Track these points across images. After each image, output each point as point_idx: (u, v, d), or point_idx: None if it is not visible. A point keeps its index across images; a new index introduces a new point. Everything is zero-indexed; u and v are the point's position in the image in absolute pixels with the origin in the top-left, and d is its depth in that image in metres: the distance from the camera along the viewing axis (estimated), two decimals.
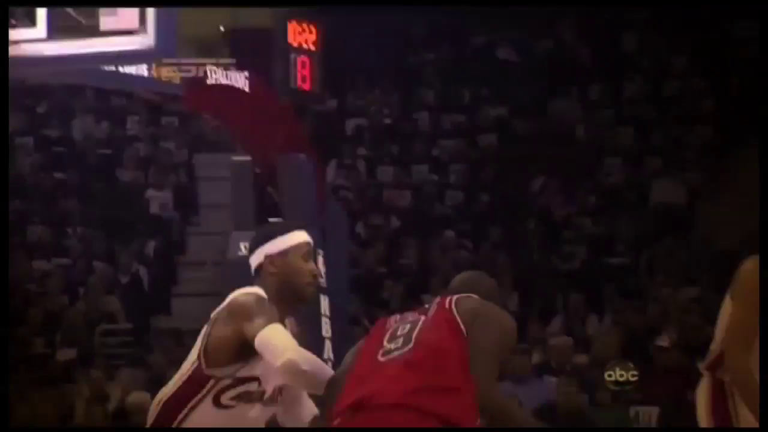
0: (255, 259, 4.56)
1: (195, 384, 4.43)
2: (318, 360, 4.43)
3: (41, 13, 7.64)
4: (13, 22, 7.83)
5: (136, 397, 10.49)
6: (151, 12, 7.39)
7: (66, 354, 12.91)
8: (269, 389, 4.48)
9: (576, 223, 15.36)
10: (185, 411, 4.45)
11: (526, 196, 15.93)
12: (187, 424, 4.44)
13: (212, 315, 4.53)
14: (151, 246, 14.89)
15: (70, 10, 7.49)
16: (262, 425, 4.56)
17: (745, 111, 15.85)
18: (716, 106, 16.37)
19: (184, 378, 4.48)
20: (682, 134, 16.23)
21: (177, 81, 8.12)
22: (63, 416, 11.38)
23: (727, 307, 5.24)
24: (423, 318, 4.41)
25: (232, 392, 4.41)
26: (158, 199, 15.38)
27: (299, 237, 4.57)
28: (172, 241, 15.16)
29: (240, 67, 8.74)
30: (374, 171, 16.43)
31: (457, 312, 4.40)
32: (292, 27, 9.83)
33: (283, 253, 4.51)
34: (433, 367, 4.26)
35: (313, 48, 8.74)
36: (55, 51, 7.35)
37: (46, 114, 16.55)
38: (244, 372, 4.38)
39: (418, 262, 14.81)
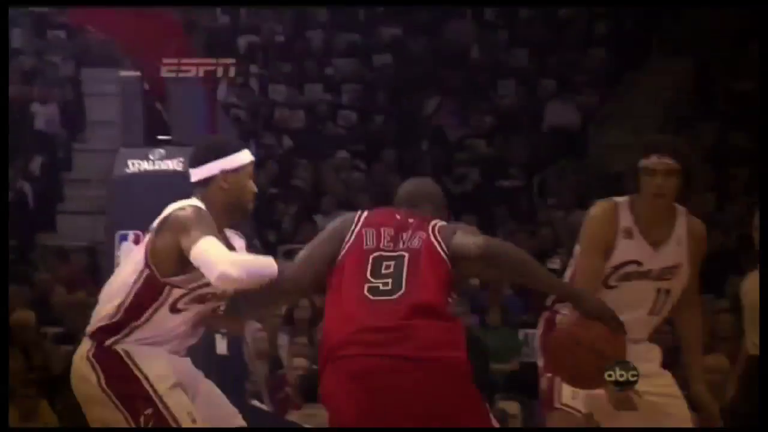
0: (205, 172, 4.78)
1: (152, 291, 4.62)
2: (255, 262, 4.58)
3: None
4: None
5: (20, 315, 10.37)
6: None
7: None
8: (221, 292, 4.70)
9: (469, 145, 15.44)
10: (144, 317, 4.64)
11: (420, 118, 15.95)
12: (145, 330, 4.64)
13: (152, 226, 4.71)
14: (36, 162, 14.67)
15: None
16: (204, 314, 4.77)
17: (639, 35, 16.00)
18: (610, 29, 16.49)
19: (138, 286, 4.64)
20: (577, 57, 16.34)
21: None
22: None
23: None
24: (407, 255, 4.52)
25: (187, 298, 4.64)
26: (44, 115, 15.14)
27: (249, 156, 4.90)
28: (58, 158, 14.94)
29: None
30: (266, 89, 16.31)
31: (441, 240, 4.59)
32: None
33: (237, 170, 4.80)
34: (437, 313, 4.44)
35: None
36: None
37: None
38: (199, 280, 4.59)
39: (311, 183, 14.78)
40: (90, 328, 4.73)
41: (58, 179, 14.72)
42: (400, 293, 4.44)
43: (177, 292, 4.63)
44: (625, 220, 5.25)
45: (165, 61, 8.30)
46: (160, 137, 8.50)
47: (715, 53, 15.40)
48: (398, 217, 4.65)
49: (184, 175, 7.86)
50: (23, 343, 10.15)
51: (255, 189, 4.87)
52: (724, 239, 12.45)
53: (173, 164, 8.26)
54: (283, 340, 10.62)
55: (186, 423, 4.60)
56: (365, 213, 4.67)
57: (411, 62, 16.49)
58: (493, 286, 11.00)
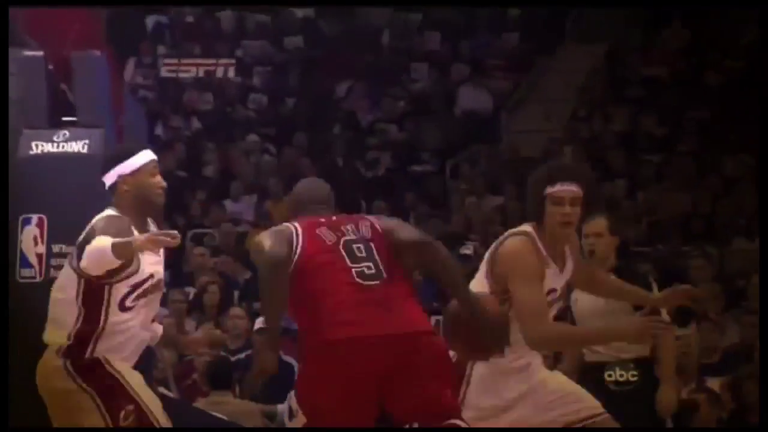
0: (108, 179, 5.38)
1: (95, 296, 5.12)
2: (92, 247, 5.02)
3: None
4: None
5: None
6: None
7: None
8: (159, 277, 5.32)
9: (381, 129, 15.49)
10: (101, 322, 5.13)
11: (332, 101, 15.96)
12: (108, 337, 5.13)
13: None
14: None
15: None
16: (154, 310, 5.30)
17: (552, 18, 16.15)
18: (523, 13, 16.60)
19: (81, 297, 5.13)
20: (490, 41, 16.44)
21: None
22: None
23: (487, 272, 5.39)
24: (372, 243, 4.95)
25: (133, 295, 5.19)
26: None
27: (146, 156, 5.40)
28: None
29: None
30: (179, 72, 16.21)
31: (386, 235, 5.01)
32: None
33: (134, 173, 5.34)
34: (413, 294, 4.98)
35: None
36: None
37: None
38: (137, 278, 5.19)
39: (220, 167, 14.74)
40: (53, 346, 5.13)
41: None
42: (384, 278, 4.85)
43: (121, 291, 5.14)
44: (542, 249, 5.35)
45: (166, 61, 8.27)
46: (64, 118, 8.44)
47: (628, 38, 15.60)
48: (327, 218, 5.01)
49: (89, 158, 7.84)
50: None
51: (161, 184, 5.37)
52: (635, 227, 12.63)
53: (78, 146, 8.20)
54: (190, 325, 10.61)
55: (163, 419, 5.12)
56: (296, 224, 4.99)
57: (323, 45, 16.49)
58: None
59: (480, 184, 14.26)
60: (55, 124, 8.38)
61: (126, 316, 5.18)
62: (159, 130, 15.06)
